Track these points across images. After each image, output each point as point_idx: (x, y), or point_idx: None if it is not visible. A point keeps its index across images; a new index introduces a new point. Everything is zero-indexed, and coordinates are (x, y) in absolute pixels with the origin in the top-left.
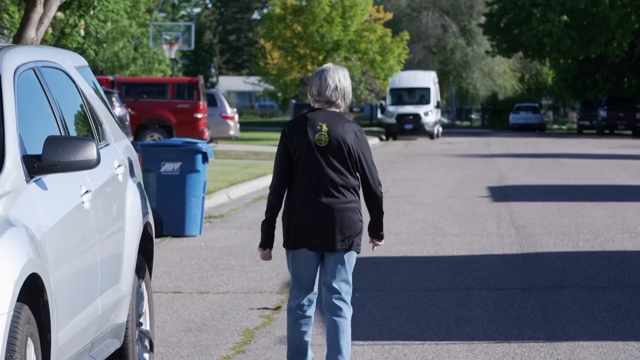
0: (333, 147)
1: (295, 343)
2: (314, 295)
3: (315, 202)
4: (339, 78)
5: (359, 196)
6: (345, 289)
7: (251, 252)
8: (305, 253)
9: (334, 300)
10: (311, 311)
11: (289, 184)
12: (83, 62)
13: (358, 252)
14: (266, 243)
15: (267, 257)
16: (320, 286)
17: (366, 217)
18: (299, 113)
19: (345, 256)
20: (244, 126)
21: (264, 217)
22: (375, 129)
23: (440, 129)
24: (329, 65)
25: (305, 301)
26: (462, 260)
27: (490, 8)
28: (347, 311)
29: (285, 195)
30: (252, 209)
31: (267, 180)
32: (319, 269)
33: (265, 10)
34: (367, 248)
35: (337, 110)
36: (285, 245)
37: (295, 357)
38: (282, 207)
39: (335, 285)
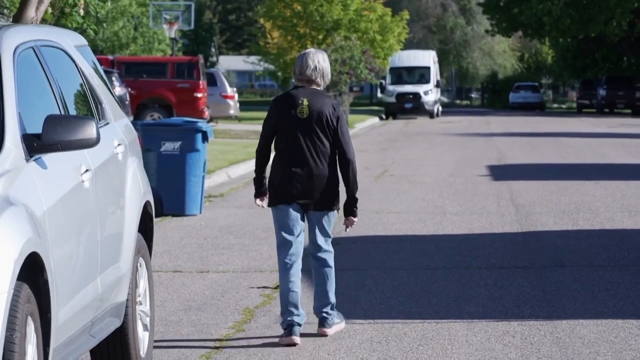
0: (313, 118)
1: (287, 295)
2: (300, 248)
3: (297, 167)
4: (318, 60)
5: (335, 163)
6: (326, 240)
7: (251, 231)
8: (287, 210)
9: (319, 254)
10: (298, 262)
11: (275, 151)
12: (83, 41)
13: (337, 211)
14: (259, 193)
15: (262, 203)
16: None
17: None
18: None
19: (325, 215)
20: (244, 105)
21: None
22: (375, 108)
23: (440, 108)
24: (310, 49)
25: (292, 251)
26: (462, 239)
27: None
28: (330, 258)
29: (270, 159)
30: (252, 188)
31: None
32: (302, 226)
33: None
34: (364, 228)
35: (318, 88)
36: (270, 204)
37: (289, 310)
38: (270, 172)
39: (319, 242)
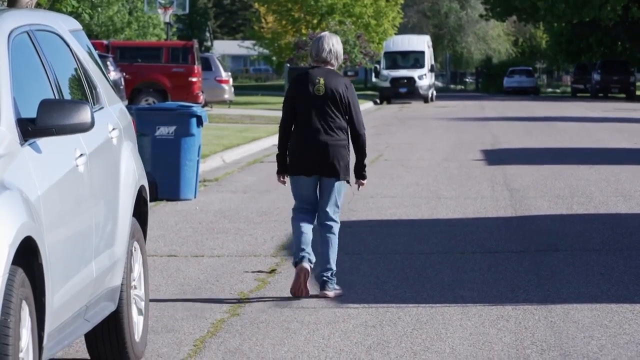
0: (328, 95)
1: (298, 237)
2: (313, 211)
3: (314, 139)
4: (333, 42)
5: (348, 136)
6: (334, 210)
7: (246, 216)
8: (305, 179)
9: (326, 222)
10: (310, 218)
11: (294, 125)
12: (77, 25)
13: (347, 182)
14: (281, 170)
15: (283, 182)
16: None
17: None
18: (293, 76)
19: (336, 184)
20: (239, 90)
21: (277, 151)
22: (369, 92)
23: (435, 93)
24: (325, 32)
25: (306, 207)
26: (456, 224)
27: None
28: (336, 227)
29: (290, 132)
30: (247, 173)
31: (262, 143)
32: (317, 192)
33: None
34: (358, 212)
35: (332, 68)
36: (289, 172)
37: (299, 246)
38: (289, 143)
39: (327, 209)
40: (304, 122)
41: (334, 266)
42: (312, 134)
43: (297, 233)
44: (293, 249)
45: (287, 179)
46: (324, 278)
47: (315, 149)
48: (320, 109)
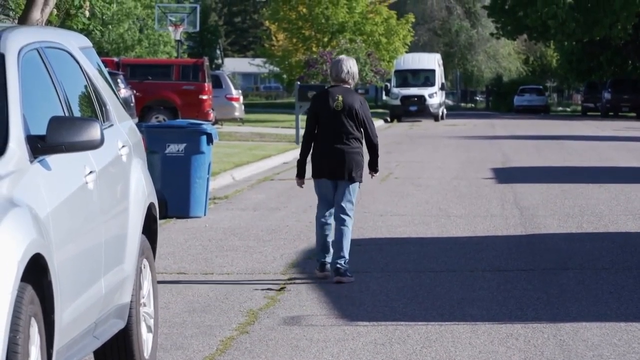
0: (345, 110)
1: (321, 242)
2: (332, 209)
3: (333, 147)
4: (350, 65)
5: (362, 144)
6: (349, 207)
7: (256, 233)
8: (325, 181)
9: (340, 214)
10: (331, 220)
11: (315, 136)
12: (87, 43)
13: (360, 182)
14: (300, 174)
15: (301, 184)
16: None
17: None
18: (303, 94)
19: (350, 185)
20: (249, 108)
21: (297, 161)
22: (380, 110)
23: (445, 111)
24: (343, 56)
25: (327, 213)
26: (466, 242)
27: None
28: (349, 222)
29: (313, 142)
30: (257, 191)
31: (272, 161)
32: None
33: None
34: (368, 230)
35: (349, 87)
36: (313, 175)
37: (322, 252)
38: (311, 150)
39: (342, 204)
40: (325, 133)
41: (347, 254)
42: (332, 143)
43: (319, 238)
44: (316, 248)
45: (304, 182)
46: (337, 265)
47: (334, 155)
48: (339, 122)
